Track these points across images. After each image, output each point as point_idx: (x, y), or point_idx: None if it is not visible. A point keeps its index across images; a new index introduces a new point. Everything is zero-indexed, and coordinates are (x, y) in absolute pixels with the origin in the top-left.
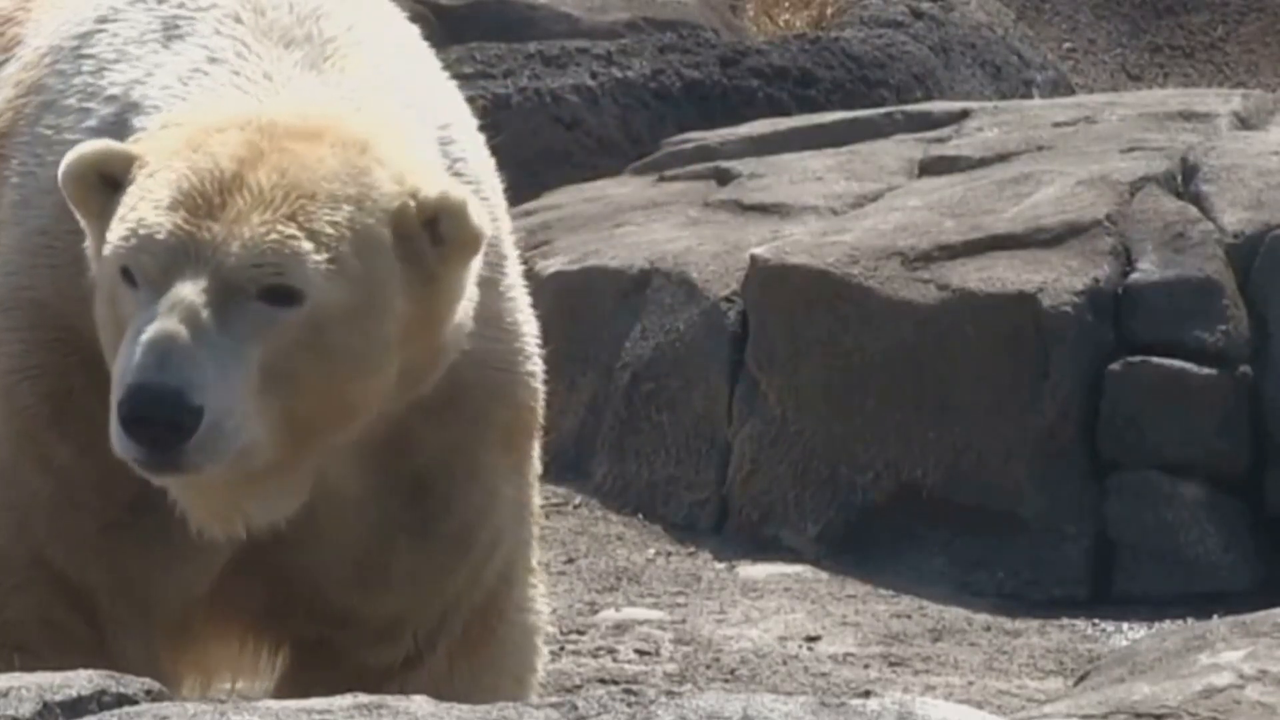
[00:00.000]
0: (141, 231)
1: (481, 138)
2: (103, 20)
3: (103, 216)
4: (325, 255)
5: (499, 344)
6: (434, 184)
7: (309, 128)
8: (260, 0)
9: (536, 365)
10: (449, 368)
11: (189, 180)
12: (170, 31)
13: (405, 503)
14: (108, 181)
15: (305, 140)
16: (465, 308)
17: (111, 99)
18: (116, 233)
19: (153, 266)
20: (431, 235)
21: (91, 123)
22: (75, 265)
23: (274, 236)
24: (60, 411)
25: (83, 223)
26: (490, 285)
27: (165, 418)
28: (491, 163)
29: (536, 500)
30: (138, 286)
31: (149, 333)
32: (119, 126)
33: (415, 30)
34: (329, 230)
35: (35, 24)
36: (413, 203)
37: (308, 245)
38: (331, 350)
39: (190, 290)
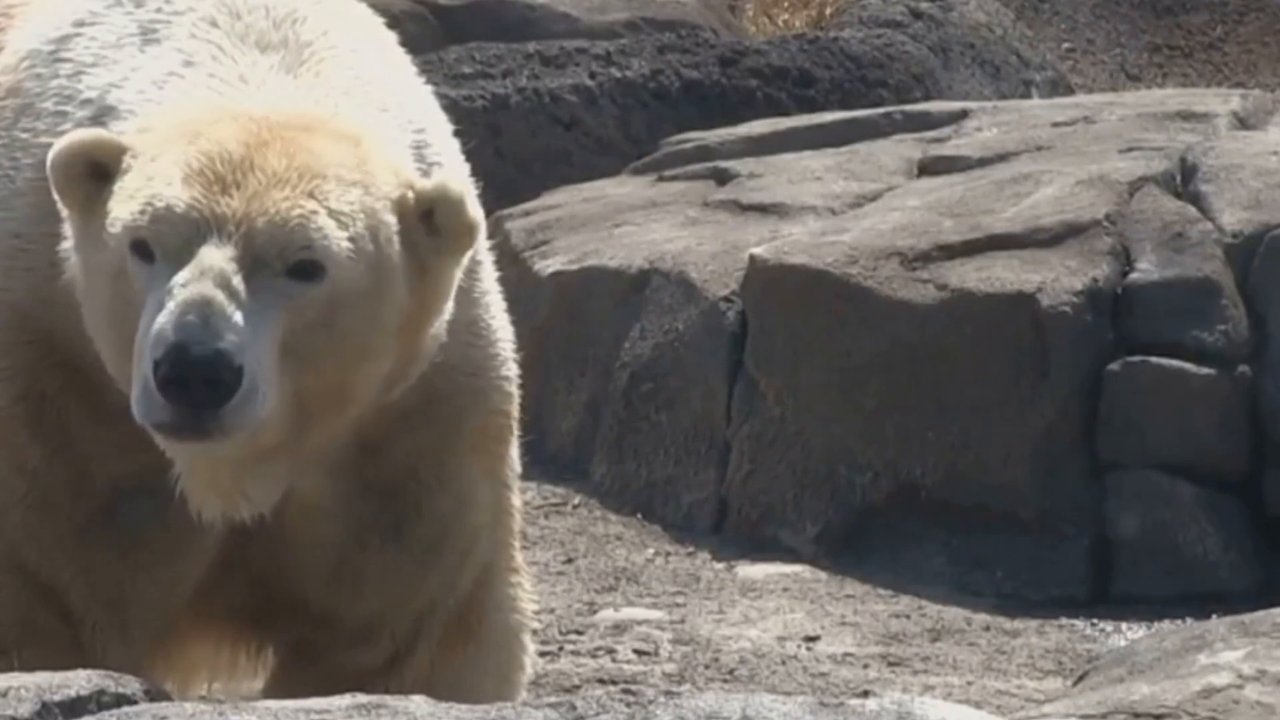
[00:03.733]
0: (158, 204)
1: (456, 143)
2: (80, 24)
3: (86, 208)
4: (345, 234)
5: (472, 350)
6: (431, 176)
7: (303, 121)
8: (236, 4)
9: (510, 370)
10: (421, 374)
11: (199, 160)
12: (147, 35)
13: (377, 508)
14: (95, 172)
15: (303, 131)
16: (443, 312)
17: (87, 102)
18: (127, 209)
19: (173, 238)
20: (427, 227)
21: (67, 126)
22: (51, 268)
23: (299, 211)
24: (34, 413)
25: (65, 213)
26: (464, 292)
27: (210, 376)
28: (466, 168)
29: (517, 501)
30: (153, 261)
31: (185, 294)
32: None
33: (392, 36)
34: (346, 210)
35: (18, 29)
36: (411, 193)
37: (331, 222)
38: (343, 332)
39: (220, 257)
